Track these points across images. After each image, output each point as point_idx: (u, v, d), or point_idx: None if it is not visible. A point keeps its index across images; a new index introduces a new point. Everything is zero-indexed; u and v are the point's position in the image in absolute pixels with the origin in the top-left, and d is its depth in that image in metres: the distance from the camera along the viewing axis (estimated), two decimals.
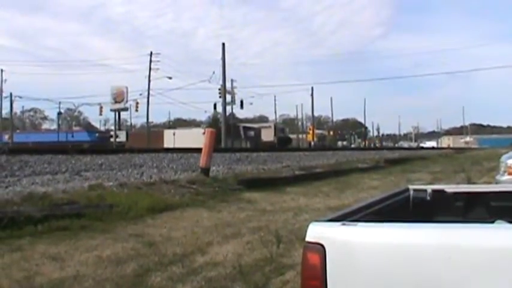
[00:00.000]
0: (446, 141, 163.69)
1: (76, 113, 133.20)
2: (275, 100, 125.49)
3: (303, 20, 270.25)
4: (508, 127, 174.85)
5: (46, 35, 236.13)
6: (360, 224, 3.41)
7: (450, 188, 5.52)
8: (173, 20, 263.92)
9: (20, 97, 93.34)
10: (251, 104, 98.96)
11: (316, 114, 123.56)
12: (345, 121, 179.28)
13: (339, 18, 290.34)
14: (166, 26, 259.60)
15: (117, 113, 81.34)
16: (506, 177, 14.23)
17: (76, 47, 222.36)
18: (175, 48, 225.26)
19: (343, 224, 3.37)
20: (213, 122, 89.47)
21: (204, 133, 21.71)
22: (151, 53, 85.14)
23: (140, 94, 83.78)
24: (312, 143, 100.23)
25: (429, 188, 5.54)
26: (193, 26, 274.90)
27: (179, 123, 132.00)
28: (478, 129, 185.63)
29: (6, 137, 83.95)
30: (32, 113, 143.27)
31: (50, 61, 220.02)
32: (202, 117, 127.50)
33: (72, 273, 7.94)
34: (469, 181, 20.02)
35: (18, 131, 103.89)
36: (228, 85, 79.23)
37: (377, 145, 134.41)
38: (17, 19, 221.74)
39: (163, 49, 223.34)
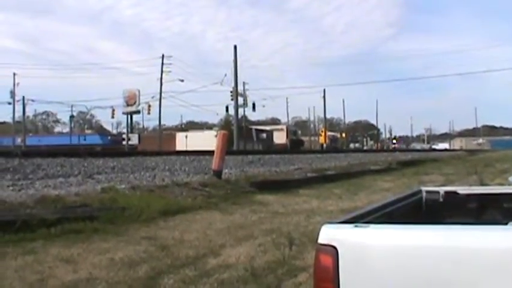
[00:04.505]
0: (458, 143, 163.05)
1: (88, 116, 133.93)
2: (287, 102, 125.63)
3: (313, 21, 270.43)
4: None
5: (56, 39, 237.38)
6: (372, 225, 3.40)
7: (463, 190, 5.50)
8: (182, 22, 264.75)
9: (33, 100, 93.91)
10: (263, 106, 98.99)
11: (328, 116, 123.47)
12: (357, 123, 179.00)
13: (349, 19, 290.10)
14: (176, 28, 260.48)
15: (129, 116, 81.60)
16: None
17: (86, 50, 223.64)
18: (184, 51, 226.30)
19: (356, 226, 3.37)
20: (225, 125, 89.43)
21: (216, 135, 21.71)
22: (163, 55, 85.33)
23: (152, 97, 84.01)
24: (324, 145, 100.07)
25: (442, 189, 5.53)
26: (202, 28, 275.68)
27: (191, 126, 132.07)
28: (490, 130, 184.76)
29: (19, 140, 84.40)
30: (44, 116, 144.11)
31: (61, 64, 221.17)
32: (215, 119, 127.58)
33: (85, 275, 7.96)
34: (482, 183, 19.92)
35: (30, 134, 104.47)
36: (240, 87, 79.29)
37: (394, 146, 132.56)
38: (27, 23, 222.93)
39: (173, 51, 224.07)
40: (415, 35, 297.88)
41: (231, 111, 79.23)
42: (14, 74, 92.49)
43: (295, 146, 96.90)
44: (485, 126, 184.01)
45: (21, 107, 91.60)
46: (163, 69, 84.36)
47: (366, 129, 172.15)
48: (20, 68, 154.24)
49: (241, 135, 75.05)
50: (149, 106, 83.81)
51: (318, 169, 28.01)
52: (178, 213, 13.25)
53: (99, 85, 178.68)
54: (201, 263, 8.77)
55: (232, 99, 75.37)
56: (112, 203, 12.96)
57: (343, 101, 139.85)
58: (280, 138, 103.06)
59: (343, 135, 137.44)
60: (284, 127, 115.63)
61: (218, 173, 19.21)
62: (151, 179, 18.82)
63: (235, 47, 74.85)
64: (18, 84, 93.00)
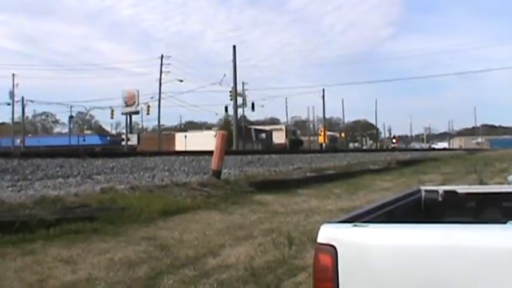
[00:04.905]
0: (457, 142, 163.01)
1: (87, 117, 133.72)
2: (286, 102, 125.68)
3: (312, 21, 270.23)
4: None
5: (55, 39, 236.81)
6: (371, 225, 3.40)
7: (462, 189, 5.50)
8: (181, 22, 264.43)
9: (32, 101, 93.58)
10: (262, 106, 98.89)
11: (327, 115, 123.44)
12: (356, 122, 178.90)
13: (348, 19, 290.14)
14: (175, 28, 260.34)
15: (128, 116, 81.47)
16: None
17: (85, 50, 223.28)
18: (184, 51, 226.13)
19: (355, 226, 3.37)
20: (225, 125, 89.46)
21: (215, 136, 21.70)
22: (162, 56, 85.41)
23: (151, 97, 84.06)
24: (324, 145, 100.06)
25: (441, 189, 5.53)
26: (202, 29, 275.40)
27: (190, 126, 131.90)
28: (489, 130, 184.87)
29: (18, 141, 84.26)
30: (43, 117, 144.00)
31: (60, 65, 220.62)
32: (214, 119, 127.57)
33: (84, 276, 7.96)
34: (481, 182, 19.93)
35: (30, 135, 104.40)
36: (239, 87, 79.28)
37: (394, 146, 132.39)
38: (26, 23, 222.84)
39: (172, 52, 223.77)
40: (413, 35, 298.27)
41: (230, 111, 79.28)
42: (13, 75, 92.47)
43: (294, 145, 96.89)
44: (484, 126, 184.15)
45: (21, 107, 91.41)
46: (163, 69, 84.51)
47: (365, 129, 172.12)
48: (19, 68, 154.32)
49: (240, 135, 75.01)
50: (148, 106, 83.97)
51: (317, 169, 28.01)
52: (177, 214, 13.25)
53: (98, 85, 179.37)
54: (201, 263, 8.78)
55: (231, 99, 75.39)
56: (111, 204, 12.96)
57: (342, 101, 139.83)
58: (279, 138, 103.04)
59: (343, 134, 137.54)
60: (283, 127, 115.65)
61: (217, 173, 19.21)
62: (150, 179, 18.82)
63: (234, 47, 74.88)
64: (17, 85, 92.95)
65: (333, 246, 3.23)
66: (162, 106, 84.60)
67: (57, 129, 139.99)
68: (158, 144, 77.09)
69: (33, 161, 21.31)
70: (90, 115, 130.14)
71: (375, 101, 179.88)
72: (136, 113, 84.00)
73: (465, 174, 29.11)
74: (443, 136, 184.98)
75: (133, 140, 76.91)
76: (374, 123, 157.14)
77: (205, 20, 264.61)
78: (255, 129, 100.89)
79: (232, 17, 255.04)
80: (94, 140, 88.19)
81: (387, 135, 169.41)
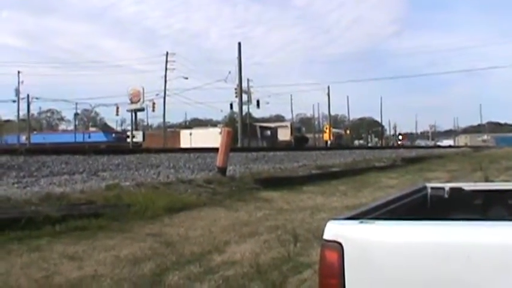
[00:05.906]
0: (463, 140, 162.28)
1: (93, 114, 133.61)
2: (291, 99, 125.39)
3: (317, 18, 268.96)
4: None
5: (59, 37, 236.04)
6: (377, 222, 3.39)
7: (468, 186, 5.49)
8: (185, 19, 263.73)
9: (37, 98, 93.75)
10: (267, 103, 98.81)
11: (332, 113, 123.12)
12: (362, 120, 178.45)
13: (353, 16, 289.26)
14: (179, 25, 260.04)
15: (133, 114, 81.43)
16: None
17: (89, 48, 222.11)
18: (188, 48, 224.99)
19: (361, 222, 3.37)
20: (230, 122, 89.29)
21: (220, 133, 21.70)
22: (167, 53, 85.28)
23: (157, 94, 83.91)
24: (329, 142, 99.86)
25: (447, 186, 5.51)
26: (206, 26, 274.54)
27: (195, 123, 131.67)
28: (495, 127, 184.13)
29: (23, 138, 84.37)
30: (49, 114, 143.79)
31: (65, 62, 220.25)
32: (219, 117, 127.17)
33: (90, 272, 7.98)
34: (487, 179, 19.88)
35: (35, 132, 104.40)
36: (244, 84, 79.13)
37: (399, 143, 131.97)
38: (30, 21, 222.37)
39: (177, 49, 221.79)
40: (419, 32, 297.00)
41: (235, 109, 79.14)
42: (18, 72, 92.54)
43: (299, 143, 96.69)
44: (490, 123, 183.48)
45: (26, 105, 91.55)
46: (168, 66, 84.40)
47: (370, 126, 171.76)
48: (24, 66, 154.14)
49: (245, 132, 74.97)
50: (153, 103, 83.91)
51: (323, 166, 27.95)
52: (183, 210, 13.28)
53: (103, 83, 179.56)
54: (206, 260, 8.79)
55: (236, 97, 75.27)
56: (117, 200, 12.98)
57: (348, 98, 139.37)
58: (284, 135, 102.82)
59: (348, 132, 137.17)
60: (288, 124, 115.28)
61: (223, 170, 19.22)
62: (155, 176, 18.83)
63: (239, 44, 74.58)
64: (22, 82, 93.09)
65: (339, 242, 3.22)
66: (167, 103, 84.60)
67: (62, 127, 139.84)
68: (163, 141, 77.13)
69: (39, 158, 21.34)
70: (95, 112, 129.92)
71: (380, 98, 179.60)
72: (142, 110, 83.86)
73: (471, 171, 29.04)
74: (448, 133, 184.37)
75: (139, 137, 76.82)
76: (379, 120, 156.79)
77: (210, 16, 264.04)
78: (260, 127, 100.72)
79: (236, 13, 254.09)
80: (99, 137, 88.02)
81: (392, 132, 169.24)
